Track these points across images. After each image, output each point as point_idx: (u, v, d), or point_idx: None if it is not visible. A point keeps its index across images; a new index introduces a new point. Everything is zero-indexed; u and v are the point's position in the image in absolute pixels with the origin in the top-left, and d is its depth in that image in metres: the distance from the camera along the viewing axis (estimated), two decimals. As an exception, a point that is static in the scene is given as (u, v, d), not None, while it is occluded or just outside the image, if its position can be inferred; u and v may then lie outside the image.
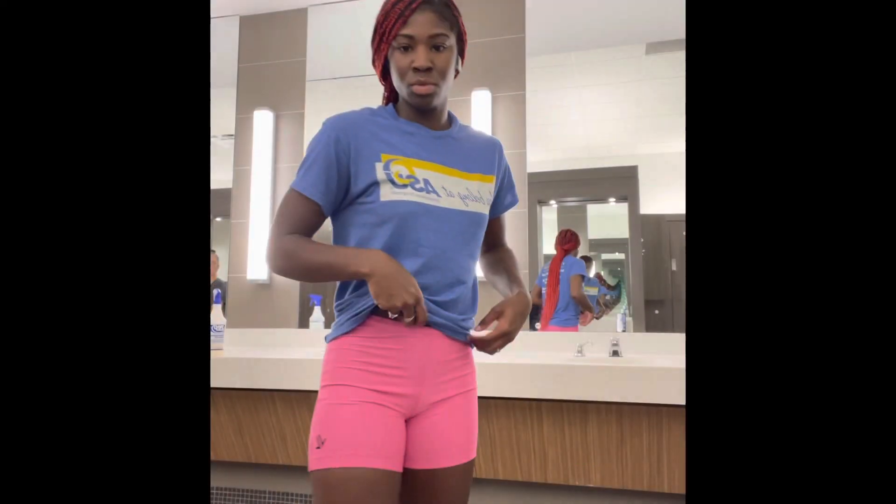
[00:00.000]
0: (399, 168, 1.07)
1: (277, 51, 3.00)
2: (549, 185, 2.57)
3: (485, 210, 1.17)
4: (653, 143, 2.48)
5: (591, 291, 2.50)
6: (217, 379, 2.19)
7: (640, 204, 2.47)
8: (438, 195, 1.09)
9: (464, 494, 1.14)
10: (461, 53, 1.11)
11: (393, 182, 1.06)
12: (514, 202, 1.30)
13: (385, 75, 1.15)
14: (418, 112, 1.12)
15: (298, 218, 1.09)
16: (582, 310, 2.49)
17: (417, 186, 1.07)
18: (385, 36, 1.06)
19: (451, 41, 1.06)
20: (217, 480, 2.55)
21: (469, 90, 2.68)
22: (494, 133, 2.65)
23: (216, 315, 2.42)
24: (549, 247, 2.55)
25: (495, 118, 2.66)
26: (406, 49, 1.04)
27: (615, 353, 2.27)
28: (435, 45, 1.04)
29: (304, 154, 1.16)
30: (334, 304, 1.15)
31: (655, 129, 2.48)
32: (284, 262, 1.07)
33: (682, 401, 1.78)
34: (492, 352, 1.11)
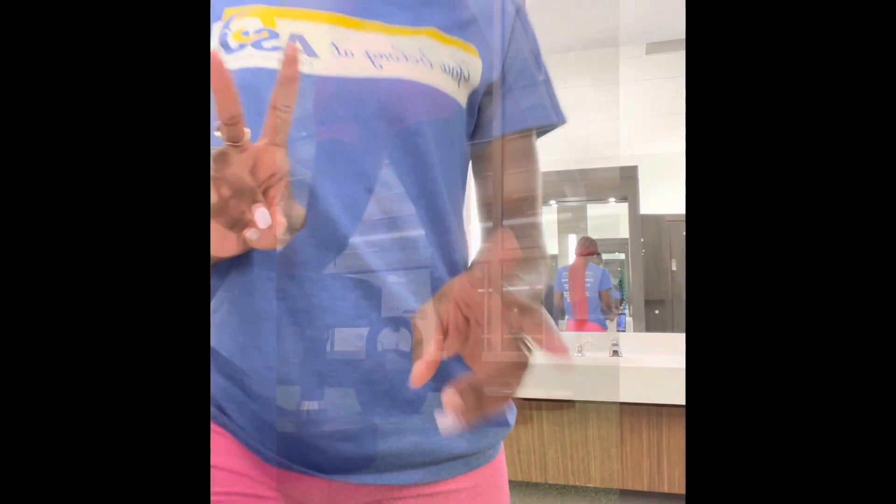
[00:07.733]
0: (244, 23, 0.59)
1: (277, 51, 2.99)
2: (549, 185, 2.57)
3: (431, 79, 0.60)
4: (653, 143, 2.47)
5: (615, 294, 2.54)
6: (217, 379, 2.18)
7: (640, 204, 2.47)
8: (317, 56, 0.58)
9: None
10: None
11: (226, 46, 0.59)
12: (544, 115, 0.68)
13: None
14: None
15: None
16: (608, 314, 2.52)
17: (267, 45, 0.58)
18: None
19: None
20: (217, 480, 2.55)
21: (469, 90, 2.68)
22: (494, 133, 2.65)
23: (216, 315, 2.41)
24: (550, 247, 2.56)
25: (495, 118, 2.65)
26: None
27: (615, 353, 2.27)
28: None
29: None
30: None
31: (655, 129, 2.48)
32: None
33: (682, 401, 1.78)
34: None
